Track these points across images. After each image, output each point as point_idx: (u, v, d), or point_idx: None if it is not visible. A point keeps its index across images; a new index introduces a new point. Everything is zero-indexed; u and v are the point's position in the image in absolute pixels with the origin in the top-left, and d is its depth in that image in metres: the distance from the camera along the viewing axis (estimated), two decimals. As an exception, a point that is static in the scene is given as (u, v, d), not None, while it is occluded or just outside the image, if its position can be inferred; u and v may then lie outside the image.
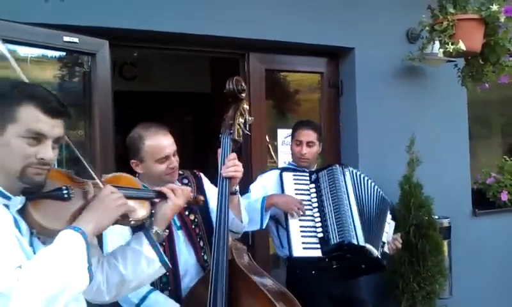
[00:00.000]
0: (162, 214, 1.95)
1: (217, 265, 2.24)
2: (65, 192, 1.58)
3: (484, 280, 4.74)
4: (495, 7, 3.39)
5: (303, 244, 3.09)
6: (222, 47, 4.00)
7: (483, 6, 3.46)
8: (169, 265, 1.97)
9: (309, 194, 3.23)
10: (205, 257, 2.53)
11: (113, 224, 1.70)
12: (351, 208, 3.14)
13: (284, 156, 4.14)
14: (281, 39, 3.99)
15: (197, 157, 5.40)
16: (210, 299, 2.20)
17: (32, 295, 1.36)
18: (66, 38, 3.07)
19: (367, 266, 3.24)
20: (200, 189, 2.62)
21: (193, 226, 2.54)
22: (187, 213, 2.53)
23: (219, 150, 2.45)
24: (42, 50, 3.23)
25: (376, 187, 3.36)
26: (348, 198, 3.18)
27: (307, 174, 3.29)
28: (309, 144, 3.34)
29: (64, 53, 3.38)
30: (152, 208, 1.95)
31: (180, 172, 2.62)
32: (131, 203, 1.77)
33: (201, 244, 2.54)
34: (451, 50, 3.40)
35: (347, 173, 3.26)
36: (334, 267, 3.19)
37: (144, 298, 2.29)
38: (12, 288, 1.35)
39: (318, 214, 3.15)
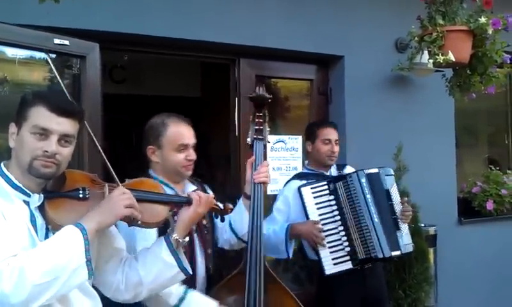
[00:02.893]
0: (181, 221, 1.97)
1: (252, 265, 2.32)
2: (81, 192, 1.72)
3: (469, 288, 4.79)
4: (483, 20, 3.45)
5: (333, 260, 3.12)
6: (213, 52, 4.02)
7: (472, 18, 3.52)
8: (190, 272, 1.98)
9: (330, 206, 3.20)
10: (210, 265, 2.51)
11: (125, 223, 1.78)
12: (372, 218, 3.11)
13: (273, 162, 4.15)
14: (272, 46, 4.01)
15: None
16: (248, 299, 2.32)
17: (21, 280, 1.45)
18: (56, 40, 3.06)
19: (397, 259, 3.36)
20: None
21: (205, 232, 2.52)
22: None
23: (252, 158, 2.51)
24: (31, 51, 3.22)
25: (385, 172, 3.31)
26: (368, 207, 3.13)
27: (325, 184, 3.23)
28: (336, 142, 3.37)
29: (54, 55, 3.36)
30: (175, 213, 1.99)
31: (190, 179, 2.60)
32: (147, 206, 1.83)
33: (209, 251, 2.52)
34: (441, 61, 3.44)
35: (363, 180, 3.17)
36: (364, 268, 3.22)
37: (181, 299, 2.23)
38: (1, 272, 1.45)
39: (342, 227, 3.16)
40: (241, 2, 3.90)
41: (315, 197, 3.21)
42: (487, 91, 3.91)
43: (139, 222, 1.78)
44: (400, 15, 4.25)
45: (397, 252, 3.15)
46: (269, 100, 2.55)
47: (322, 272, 3.11)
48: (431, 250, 4.38)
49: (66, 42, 3.10)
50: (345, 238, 3.15)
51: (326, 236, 3.13)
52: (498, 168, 5.33)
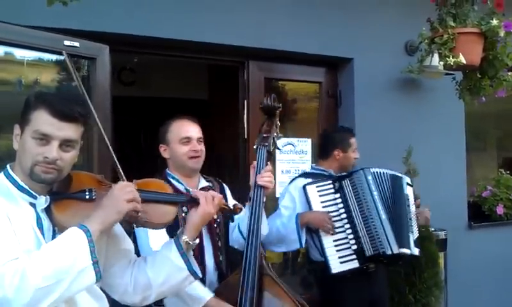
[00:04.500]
0: (191, 222, 1.92)
1: (249, 268, 2.36)
2: (87, 194, 1.71)
3: (479, 292, 4.76)
4: (494, 22, 3.42)
5: (339, 258, 3.10)
6: (222, 54, 4.02)
7: (483, 21, 3.49)
8: (199, 274, 1.95)
9: (336, 204, 3.19)
10: (221, 258, 2.57)
11: (128, 223, 1.78)
12: (379, 215, 3.10)
13: (282, 164, 4.14)
14: (281, 48, 4.02)
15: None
16: (241, 296, 2.34)
17: (23, 284, 1.43)
18: (66, 42, 3.06)
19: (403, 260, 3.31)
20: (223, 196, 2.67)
21: (215, 225, 2.58)
22: None
23: (254, 163, 2.55)
24: (41, 53, 3.23)
25: (393, 175, 3.33)
26: (375, 204, 3.13)
27: (330, 183, 3.23)
28: None
29: (62, 57, 3.37)
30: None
31: (205, 176, 2.72)
32: (155, 206, 1.82)
33: (219, 244, 2.58)
34: (452, 63, 3.42)
35: (369, 177, 3.19)
36: (370, 271, 3.20)
37: None
38: (1, 276, 1.43)
39: (348, 225, 3.14)
40: (251, 4, 3.90)
41: (320, 196, 3.20)
42: (497, 94, 3.88)
43: (145, 221, 1.77)
44: (410, 17, 4.23)
45: (406, 250, 3.11)
46: (278, 110, 2.61)
47: (329, 270, 3.09)
48: (441, 254, 4.34)
49: (77, 44, 3.11)
50: (351, 236, 3.12)
51: (333, 234, 3.12)
52: (508, 172, 5.29)
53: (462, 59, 3.39)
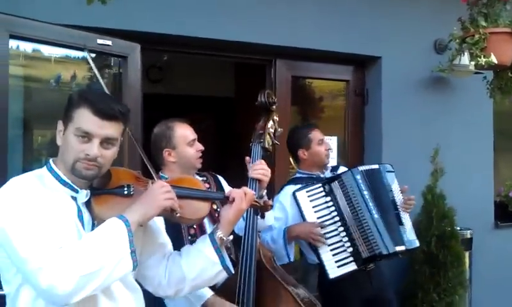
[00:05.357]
0: (225, 218, 1.97)
1: (246, 262, 2.35)
2: (126, 189, 1.77)
3: (503, 293, 4.72)
4: (526, 22, 3.41)
5: (336, 262, 3.03)
6: (250, 52, 4.05)
7: (515, 20, 3.47)
8: (232, 270, 1.98)
9: (328, 208, 3.12)
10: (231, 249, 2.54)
11: (164, 218, 1.83)
12: (371, 214, 3.03)
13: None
14: (309, 46, 4.03)
15: (218, 161, 5.43)
16: (238, 294, 2.33)
17: (67, 271, 1.48)
18: (100, 41, 3.12)
19: (403, 254, 3.21)
20: (219, 188, 2.76)
21: (216, 215, 2.55)
22: None
23: (247, 158, 2.58)
24: (75, 51, 3.29)
25: (373, 169, 3.24)
26: (366, 204, 3.05)
27: (320, 186, 3.16)
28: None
29: (94, 55, 3.44)
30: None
31: (198, 172, 2.77)
32: (188, 202, 1.87)
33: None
34: (483, 63, 3.41)
35: (358, 177, 3.10)
36: (368, 269, 3.16)
37: None
38: (47, 265, 1.48)
39: (342, 228, 3.07)
40: (278, 2, 3.92)
41: (311, 201, 3.13)
42: (527, 94, 3.86)
43: (179, 216, 1.80)
44: (439, 16, 4.23)
45: (402, 247, 3.05)
46: (273, 106, 2.65)
47: (326, 276, 3.02)
48: (467, 253, 4.34)
49: (109, 42, 3.16)
50: (346, 238, 3.05)
51: (327, 238, 3.06)
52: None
53: (493, 59, 3.38)
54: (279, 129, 2.68)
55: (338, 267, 3.02)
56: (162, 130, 2.69)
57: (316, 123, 3.52)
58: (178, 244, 2.25)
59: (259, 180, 2.48)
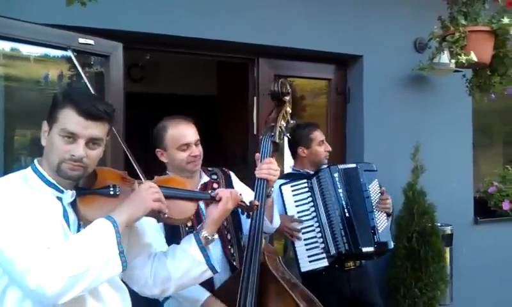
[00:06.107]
0: (210, 218, 1.99)
1: (249, 265, 2.31)
2: (112, 189, 1.76)
3: (484, 288, 4.79)
4: (506, 20, 3.45)
5: (308, 257, 3.11)
6: (232, 51, 4.05)
7: (494, 19, 3.52)
8: (218, 269, 2.00)
9: (308, 203, 3.20)
10: (232, 251, 2.53)
11: (153, 218, 1.83)
12: (343, 213, 3.12)
13: (291, 160, 4.17)
14: (291, 45, 4.04)
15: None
16: (240, 298, 2.28)
17: (55, 272, 1.48)
18: (81, 40, 3.09)
19: (375, 255, 3.27)
20: (229, 186, 2.63)
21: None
22: None
23: (257, 154, 2.50)
24: (55, 50, 3.26)
25: (351, 168, 3.29)
26: (339, 202, 3.14)
27: (304, 182, 3.23)
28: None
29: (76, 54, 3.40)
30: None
31: (210, 168, 2.69)
32: (175, 202, 1.87)
33: (229, 236, 2.54)
34: (463, 61, 3.45)
35: (335, 175, 3.19)
36: (346, 269, 3.21)
37: None
38: (35, 265, 1.47)
39: (317, 224, 3.15)
40: (260, 2, 3.92)
41: (294, 195, 3.20)
42: (507, 91, 3.91)
43: (166, 217, 1.81)
44: (419, 15, 4.27)
45: (369, 249, 3.13)
46: (287, 96, 2.50)
47: (299, 269, 3.10)
48: (447, 249, 4.39)
49: (91, 41, 3.13)
50: (319, 234, 3.13)
51: (304, 233, 3.13)
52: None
53: (473, 57, 3.42)
54: (292, 121, 2.58)
55: (310, 262, 3.11)
56: (158, 128, 2.59)
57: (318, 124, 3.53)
58: (175, 237, 2.27)
59: (267, 180, 2.41)
